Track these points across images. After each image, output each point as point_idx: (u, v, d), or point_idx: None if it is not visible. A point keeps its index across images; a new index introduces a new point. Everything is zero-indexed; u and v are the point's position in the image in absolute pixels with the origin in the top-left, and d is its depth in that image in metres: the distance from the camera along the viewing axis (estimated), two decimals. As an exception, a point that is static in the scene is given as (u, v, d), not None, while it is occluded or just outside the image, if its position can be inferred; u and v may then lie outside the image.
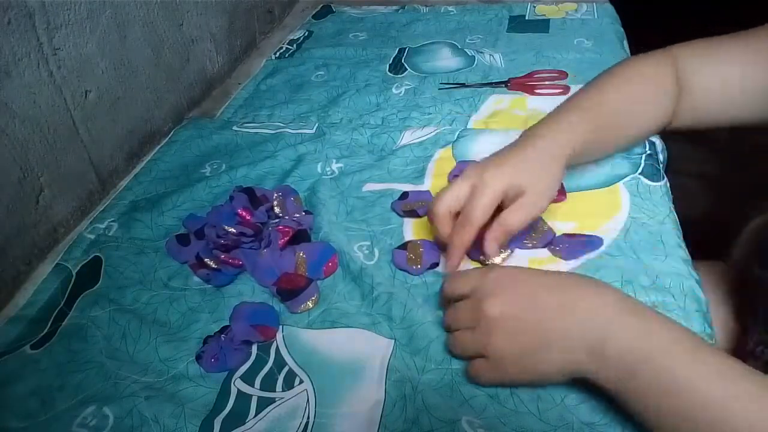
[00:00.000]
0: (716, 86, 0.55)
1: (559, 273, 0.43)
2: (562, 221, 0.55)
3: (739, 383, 0.33)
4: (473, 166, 0.50)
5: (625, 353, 0.35)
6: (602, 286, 0.40)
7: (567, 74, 0.80)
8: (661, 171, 0.61)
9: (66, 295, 0.53)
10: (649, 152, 0.63)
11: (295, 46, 0.98)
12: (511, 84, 0.79)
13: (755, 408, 0.32)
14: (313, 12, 1.11)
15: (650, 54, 0.58)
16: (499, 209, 0.48)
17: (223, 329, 0.48)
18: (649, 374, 0.35)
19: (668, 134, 0.66)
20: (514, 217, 0.47)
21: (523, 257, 0.52)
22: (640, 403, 0.35)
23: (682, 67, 0.56)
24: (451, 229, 0.49)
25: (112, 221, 0.62)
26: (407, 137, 0.70)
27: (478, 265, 0.51)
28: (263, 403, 0.43)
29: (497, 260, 0.51)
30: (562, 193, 0.58)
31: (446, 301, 0.46)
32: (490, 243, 0.47)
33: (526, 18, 0.99)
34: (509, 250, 0.52)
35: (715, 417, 0.33)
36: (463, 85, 0.80)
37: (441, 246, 0.52)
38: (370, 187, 0.63)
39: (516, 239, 0.52)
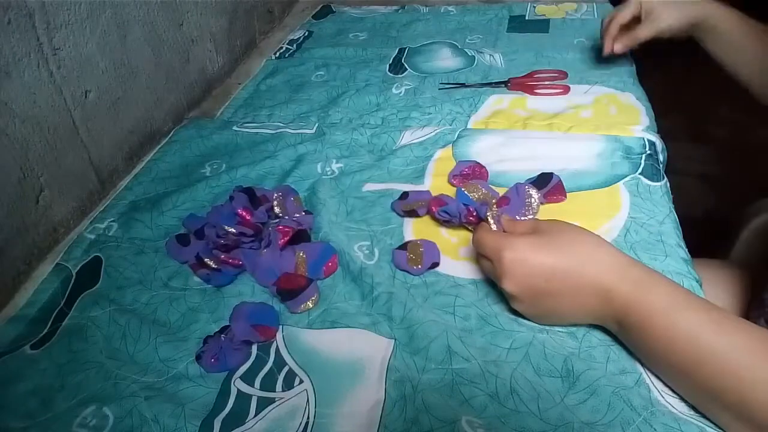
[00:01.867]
0: None
1: (565, 237, 0.43)
2: (562, 221, 0.55)
3: (739, 335, 0.36)
4: None
5: (629, 305, 0.39)
6: (607, 249, 0.42)
7: (567, 74, 0.80)
8: (661, 171, 0.61)
9: (66, 295, 0.53)
10: (649, 152, 0.63)
11: (295, 46, 0.98)
12: (511, 84, 0.79)
13: (755, 359, 0.35)
14: (313, 12, 1.11)
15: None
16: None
17: (223, 329, 0.48)
18: (654, 327, 0.38)
19: (668, 134, 0.66)
20: (640, 28, 0.69)
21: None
22: (647, 353, 0.40)
23: None
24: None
25: (112, 221, 0.62)
26: (407, 137, 0.70)
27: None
28: (263, 403, 0.43)
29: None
30: (561, 193, 0.58)
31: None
32: (620, 42, 0.72)
33: (526, 18, 0.99)
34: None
35: (715, 367, 0.36)
36: (463, 85, 0.80)
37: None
38: (370, 187, 0.63)
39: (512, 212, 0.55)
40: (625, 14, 0.71)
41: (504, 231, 0.47)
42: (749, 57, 0.65)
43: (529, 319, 0.46)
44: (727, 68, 0.68)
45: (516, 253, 0.42)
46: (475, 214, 0.54)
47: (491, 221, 0.48)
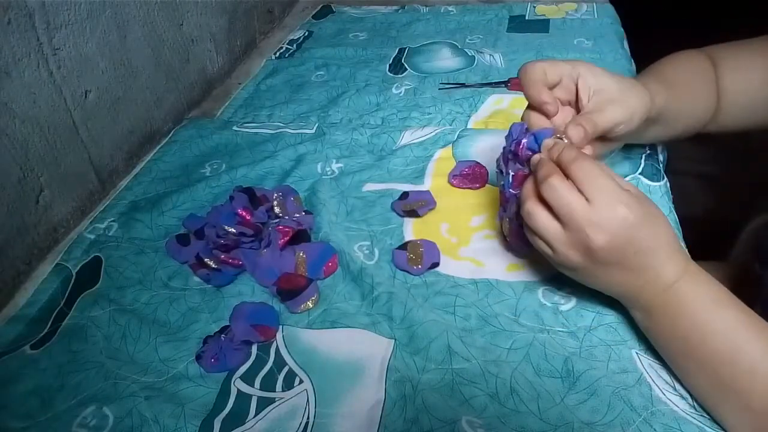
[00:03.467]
0: (746, 91, 0.55)
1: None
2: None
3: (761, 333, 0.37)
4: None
5: (672, 290, 0.39)
6: (672, 233, 0.41)
7: (567, 74, 0.79)
8: (661, 171, 0.61)
9: (66, 295, 0.53)
10: (649, 152, 0.63)
11: (295, 46, 0.98)
12: (511, 84, 0.79)
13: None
14: (313, 12, 1.11)
15: (691, 51, 0.58)
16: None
17: (223, 329, 0.48)
18: (694, 318, 0.39)
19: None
20: (606, 113, 0.45)
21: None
22: (674, 341, 0.40)
23: (717, 69, 0.56)
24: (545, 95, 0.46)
25: (112, 221, 0.62)
26: (407, 137, 0.70)
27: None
28: (263, 403, 0.43)
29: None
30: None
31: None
32: (576, 126, 0.44)
33: (526, 18, 0.99)
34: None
35: (746, 366, 0.36)
36: (463, 85, 0.80)
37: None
38: (370, 187, 0.63)
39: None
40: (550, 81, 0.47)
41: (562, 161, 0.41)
42: (697, 111, 0.56)
43: (564, 274, 0.43)
44: (682, 133, 0.58)
45: (630, 210, 0.38)
46: (522, 144, 0.45)
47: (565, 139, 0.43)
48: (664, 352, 0.41)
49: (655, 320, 0.41)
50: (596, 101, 0.46)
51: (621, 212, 0.38)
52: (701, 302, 0.39)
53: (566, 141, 0.43)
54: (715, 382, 0.38)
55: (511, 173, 0.47)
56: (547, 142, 0.44)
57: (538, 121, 0.48)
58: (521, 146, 0.45)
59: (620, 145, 0.55)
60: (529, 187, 0.43)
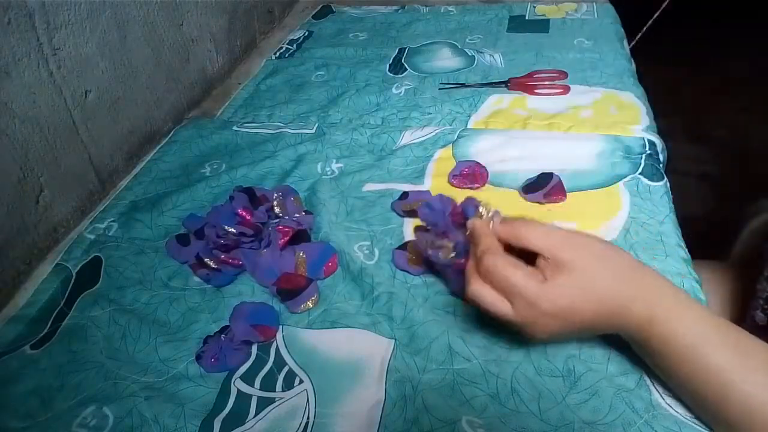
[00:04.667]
0: None
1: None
2: (561, 221, 0.55)
3: (757, 358, 0.36)
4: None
5: (653, 330, 0.37)
6: (636, 271, 0.39)
7: (567, 74, 0.80)
8: (661, 171, 0.61)
9: (66, 295, 0.53)
10: (649, 152, 0.63)
11: (295, 46, 0.98)
12: (511, 84, 0.79)
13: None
14: (313, 12, 1.11)
15: None
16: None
17: (223, 329, 0.48)
18: (681, 358, 0.37)
19: (668, 134, 0.66)
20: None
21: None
22: (666, 374, 0.39)
23: None
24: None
25: (112, 221, 0.62)
26: (407, 137, 0.70)
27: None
28: (263, 403, 0.43)
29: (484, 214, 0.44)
30: (562, 193, 0.58)
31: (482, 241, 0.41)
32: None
33: (526, 18, 0.99)
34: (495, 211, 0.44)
35: (741, 406, 0.35)
36: (463, 85, 0.80)
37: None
38: (370, 187, 0.63)
39: None
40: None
41: (498, 234, 0.41)
42: None
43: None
44: None
45: (547, 305, 0.37)
46: (460, 211, 0.47)
47: (484, 215, 0.43)
48: (664, 380, 0.41)
49: (647, 354, 0.40)
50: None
51: (544, 310, 0.37)
52: (688, 339, 0.37)
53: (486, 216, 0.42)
54: (711, 417, 0.38)
55: (452, 244, 0.45)
56: (469, 223, 0.43)
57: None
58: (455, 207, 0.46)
59: None
60: (471, 266, 0.41)
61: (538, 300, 0.37)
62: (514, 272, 0.38)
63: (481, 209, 0.44)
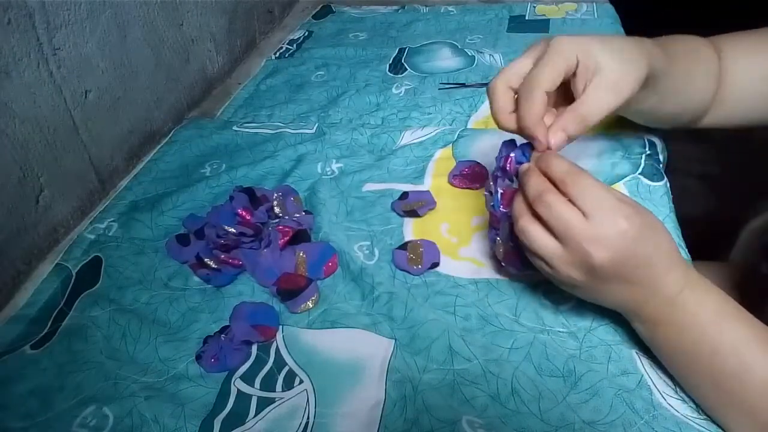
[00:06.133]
0: (752, 82, 0.52)
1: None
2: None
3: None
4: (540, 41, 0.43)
5: (676, 305, 0.38)
6: (672, 245, 0.40)
7: (567, 74, 0.79)
8: (661, 171, 0.61)
9: (66, 295, 0.53)
10: (649, 152, 0.62)
11: (295, 46, 0.98)
12: (511, 84, 0.79)
13: None
14: (313, 12, 1.11)
15: (696, 37, 0.54)
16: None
17: (223, 329, 0.48)
18: (699, 333, 0.38)
19: (668, 134, 0.66)
20: (593, 100, 0.39)
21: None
22: (678, 356, 0.39)
23: (722, 59, 0.53)
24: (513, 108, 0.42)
25: (112, 221, 0.62)
26: (407, 137, 0.70)
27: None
28: (263, 403, 0.43)
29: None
30: (562, 193, 0.58)
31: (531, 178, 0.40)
32: (557, 132, 0.40)
33: (526, 18, 0.99)
34: None
35: (755, 383, 0.36)
36: (463, 85, 0.80)
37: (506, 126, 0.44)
38: (370, 187, 0.63)
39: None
40: (551, 77, 0.40)
41: (554, 175, 0.39)
42: (698, 85, 0.53)
43: (562, 290, 0.42)
44: (672, 114, 0.54)
45: (630, 224, 0.36)
46: (510, 159, 0.43)
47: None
48: (669, 364, 0.41)
49: (660, 334, 0.40)
50: (592, 87, 0.40)
51: (621, 226, 0.36)
52: (707, 316, 0.38)
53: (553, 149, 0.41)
54: (722, 397, 0.37)
55: (500, 191, 0.44)
56: (535, 155, 0.41)
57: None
58: (509, 161, 0.43)
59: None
60: (520, 202, 0.40)
61: (618, 213, 0.36)
62: (573, 213, 0.37)
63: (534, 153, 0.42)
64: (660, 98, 0.49)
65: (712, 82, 0.53)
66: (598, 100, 0.40)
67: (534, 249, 0.39)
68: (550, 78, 0.40)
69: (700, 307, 0.38)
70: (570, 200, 0.38)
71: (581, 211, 0.37)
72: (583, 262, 0.37)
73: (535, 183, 0.39)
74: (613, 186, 0.59)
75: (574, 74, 0.41)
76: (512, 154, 0.43)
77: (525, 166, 0.42)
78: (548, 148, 0.41)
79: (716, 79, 0.53)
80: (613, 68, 0.40)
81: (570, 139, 0.41)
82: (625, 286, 0.39)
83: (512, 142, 0.45)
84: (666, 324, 0.39)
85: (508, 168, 0.43)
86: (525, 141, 0.43)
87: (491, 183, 0.46)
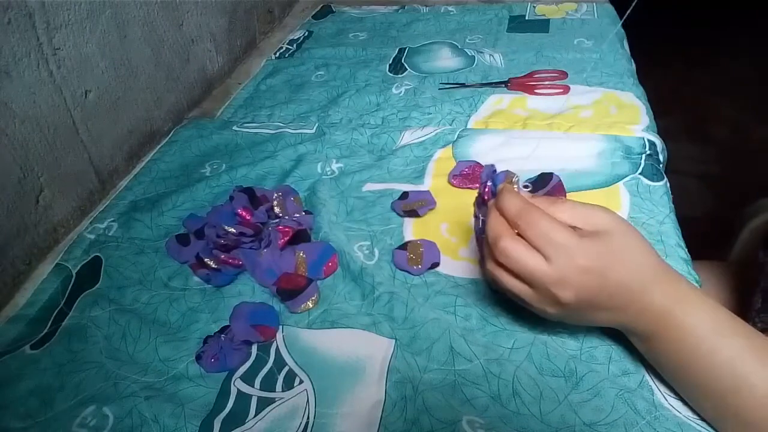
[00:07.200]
0: None
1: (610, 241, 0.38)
2: (562, 221, 0.55)
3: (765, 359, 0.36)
4: None
5: (668, 321, 0.37)
6: (653, 259, 0.39)
7: (567, 74, 0.80)
8: (661, 171, 0.61)
9: (66, 295, 0.53)
10: (649, 152, 0.62)
11: (295, 46, 0.98)
12: (511, 84, 0.79)
13: None
14: (313, 12, 1.11)
15: None
16: None
17: (223, 329, 0.48)
18: (694, 349, 0.37)
19: (668, 134, 0.66)
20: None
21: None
22: (675, 371, 0.39)
23: None
24: None
25: (112, 221, 0.62)
26: (407, 137, 0.70)
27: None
28: (263, 403, 0.43)
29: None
30: (561, 193, 0.58)
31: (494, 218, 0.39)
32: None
33: (526, 18, 0.99)
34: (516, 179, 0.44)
35: (753, 399, 0.35)
36: (463, 85, 0.80)
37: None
38: (370, 187, 0.63)
39: None
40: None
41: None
42: None
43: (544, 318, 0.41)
44: None
45: (590, 260, 0.36)
46: (488, 188, 0.44)
47: (513, 180, 0.41)
48: (668, 378, 0.40)
49: (656, 349, 0.39)
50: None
51: (581, 264, 0.36)
52: (701, 330, 0.37)
53: (516, 186, 0.40)
54: (720, 411, 0.37)
55: (481, 218, 0.44)
56: (499, 188, 0.41)
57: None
58: (486, 189, 0.44)
59: None
60: (487, 244, 0.40)
61: (577, 253, 0.36)
62: (531, 258, 0.37)
63: (513, 178, 0.43)
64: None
65: None
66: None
67: (506, 291, 0.40)
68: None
69: (693, 320, 0.37)
70: (527, 241, 0.38)
71: (540, 252, 0.37)
72: (553, 301, 0.38)
73: (493, 226, 0.39)
74: (612, 186, 0.59)
75: None
76: (489, 184, 0.44)
77: (491, 203, 0.42)
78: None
79: None
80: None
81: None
82: (605, 312, 0.39)
83: (492, 168, 0.45)
84: (660, 339, 0.38)
85: (486, 197, 0.44)
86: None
87: (476, 207, 0.46)
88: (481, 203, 0.45)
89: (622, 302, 0.38)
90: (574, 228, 0.38)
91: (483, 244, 0.43)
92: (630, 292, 0.38)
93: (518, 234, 0.38)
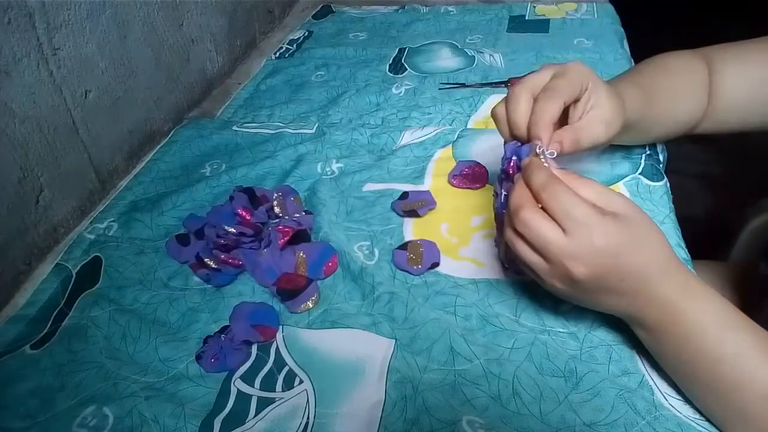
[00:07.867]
0: (744, 89, 0.54)
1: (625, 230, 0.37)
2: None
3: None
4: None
5: (676, 313, 0.37)
6: (667, 252, 0.39)
7: (567, 74, 0.79)
8: (661, 171, 0.61)
9: (66, 295, 0.53)
10: (649, 152, 0.63)
11: (295, 46, 0.98)
12: (511, 84, 0.79)
13: None
14: (313, 12, 1.11)
15: (683, 52, 0.56)
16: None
17: (223, 329, 0.48)
18: (700, 342, 0.37)
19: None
20: (589, 129, 0.43)
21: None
22: (678, 364, 0.39)
23: (712, 69, 0.55)
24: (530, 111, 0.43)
25: (112, 221, 0.62)
26: (407, 137, 0.70)
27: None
28: (263, 403, 0.43)
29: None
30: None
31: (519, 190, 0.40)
32: (553, 143, 0.42)
33: (526, 18, 0.99)
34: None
35: (756, 393, 0.35)
36: (463, 85, 0.80)
37: (510, 136, 0.45)
38: (370, 187, 0.63)
39: None
40: (569, 91, 0.43)
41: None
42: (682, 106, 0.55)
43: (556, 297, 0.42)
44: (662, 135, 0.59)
45: (607, 239, 0.36)
46: (513, 162, 0.44)
47: (539, 153, 0.41)
48: (669, 370, 0.40)
49: (660, 341, 0.39)
50: (590, 118, 0.44)
51: (598, 242, 0.36)
52: (708, 325, 0.37)
53: (542, 158, 0.41)
54: (724, 407, 0.37)
55: (504, 193, 0.44)
56: (525, 161, 0.41)
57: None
58: (511, 164, 0.44)
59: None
60: (508, 214, 0.40)
61: (595, 231, 0.36)
62: (549, 230, 0.37)
63: (537, 149, 0.42)
64: (644, 133, 0.55)
65: (701, 96, 0.55)
66: (593, 130, 0.44)
67: (521, 260, 0.40)
68: (568, 92, 0.43)
69: (701, 315, 0.37)
70: (549, 214, 0.38)
71: (559, 226, 0.37)
72: (565, 276, 0.38)
73: (516, 196, 0.39)
74: (613, 186, 0.59)
75: (576, 99, 0.44)
76: (514, 158, 0.44)
77: (518, 175, 0.42)
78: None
79: (706, 91, 0.55)
80: (609, 106, 0.45)
81: (560, 154, 0.43)
82: (614, 296, 0.39)
83: (516, 143, 0.45)
84: (667, 332, 0.38)
85: (510, 171, 0.44)
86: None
87: (497, 184, 0.46)
88: (504, 179, 0.45)
89: (631, 288, 0.38)
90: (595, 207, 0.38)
91: (503, 219, 0.43)
92: (640, 280, 0.38)
93: (541, 208, 0.38)
